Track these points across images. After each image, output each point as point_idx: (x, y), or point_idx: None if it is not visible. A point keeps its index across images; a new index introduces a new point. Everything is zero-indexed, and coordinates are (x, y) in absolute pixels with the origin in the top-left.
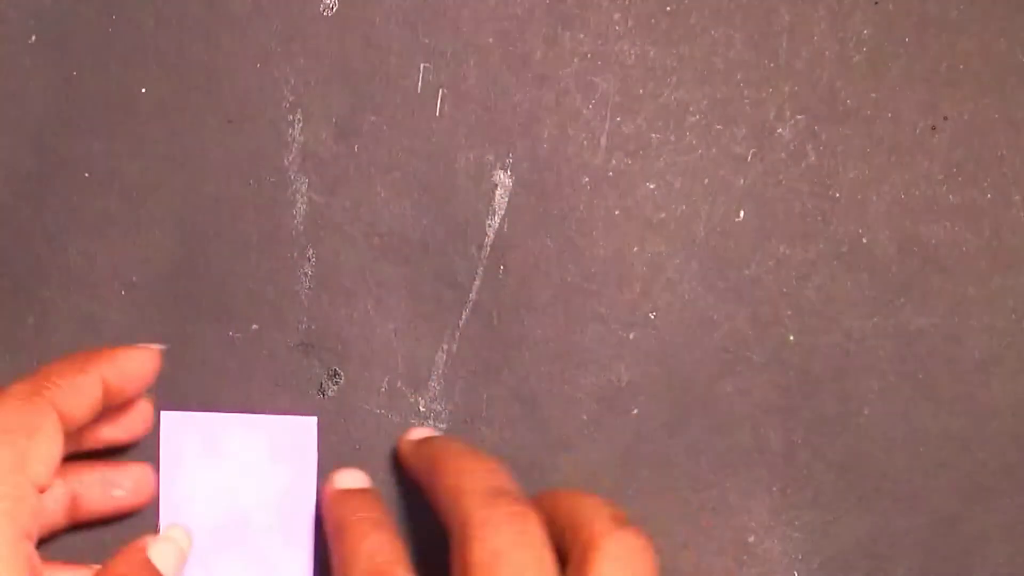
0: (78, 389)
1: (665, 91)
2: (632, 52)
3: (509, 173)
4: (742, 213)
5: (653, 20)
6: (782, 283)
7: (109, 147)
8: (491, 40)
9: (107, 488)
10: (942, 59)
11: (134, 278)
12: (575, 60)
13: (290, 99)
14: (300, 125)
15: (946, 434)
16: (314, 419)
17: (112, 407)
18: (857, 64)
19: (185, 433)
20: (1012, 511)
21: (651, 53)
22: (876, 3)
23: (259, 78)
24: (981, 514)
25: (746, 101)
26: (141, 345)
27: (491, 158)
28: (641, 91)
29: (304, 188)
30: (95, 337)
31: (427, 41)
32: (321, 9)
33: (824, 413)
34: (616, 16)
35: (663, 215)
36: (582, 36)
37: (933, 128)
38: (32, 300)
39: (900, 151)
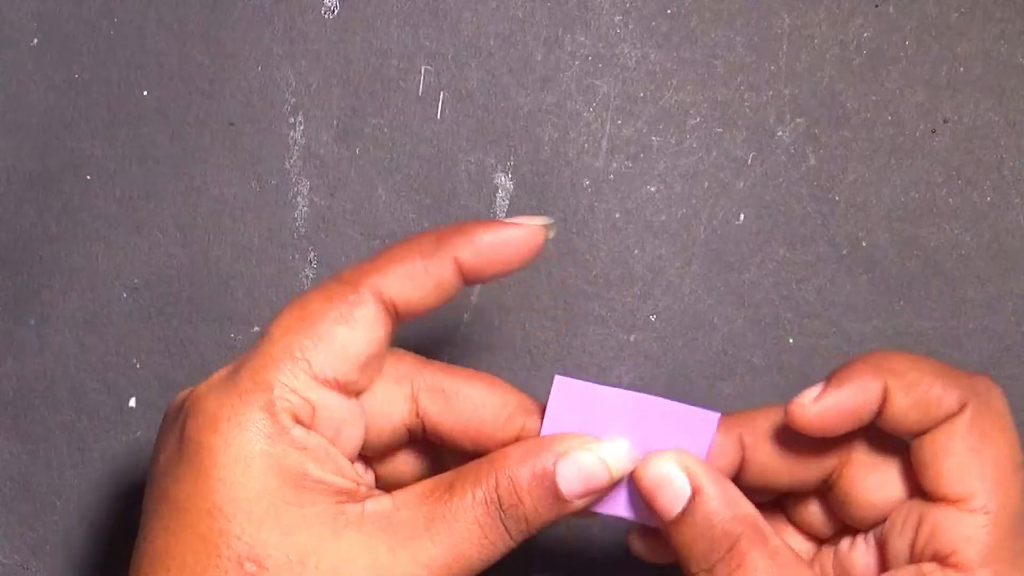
0: (413, 277)
1: (666, 94)
2: (633, 55)
3: (510, 176)
4: (742, 216)
5: (654, 23)
6: (782, 286)
7: (111, 149)
8: (492, 43)
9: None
10: (942, 62)
11: (136, 280)
12: (576, 63)
13: (291, 101)
14: (301, 127)
15: None
16: (717, 415)
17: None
18: (857, 67)
19: (573, 400)
20: None
21: (652, 56)
22: (876, 6)
23: (260, 80)
24: None
25: (746, 104)
26: (513, 221)
27: (492, 161)
28: (642, 94)
29: (305, 190)
30: (97, 338)
31: (428, 43)
32: (322, 12)
33: None
34: (617, 19)
35: (663, 218)
36: (583, 39)
37: (933, 131)
38: (34, 301)
39: (900, 154)
